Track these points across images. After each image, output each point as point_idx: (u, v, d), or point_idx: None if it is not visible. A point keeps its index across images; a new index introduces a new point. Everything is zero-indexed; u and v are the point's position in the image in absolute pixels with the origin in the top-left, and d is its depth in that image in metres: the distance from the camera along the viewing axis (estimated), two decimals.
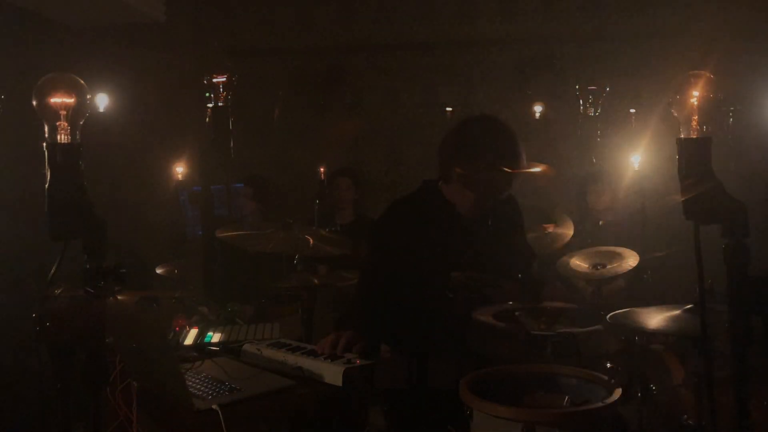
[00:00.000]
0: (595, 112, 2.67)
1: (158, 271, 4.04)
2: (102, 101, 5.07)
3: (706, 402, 2.34)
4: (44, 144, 1.70)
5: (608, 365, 2.33)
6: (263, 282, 4.03)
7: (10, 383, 3.79)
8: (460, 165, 2.63)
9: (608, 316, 2.42)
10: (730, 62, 5.24)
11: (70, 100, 1.74)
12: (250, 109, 5.84)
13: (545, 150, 5.36)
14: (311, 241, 3.47)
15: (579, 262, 3.41)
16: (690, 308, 2.30)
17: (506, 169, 2.56)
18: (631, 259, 3.30)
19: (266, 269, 4.01)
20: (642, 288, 3.75)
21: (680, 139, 1.93)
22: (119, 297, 2.07)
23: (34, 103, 1.72)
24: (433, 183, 2.78)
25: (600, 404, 1.97)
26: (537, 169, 2.62)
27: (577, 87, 2.46)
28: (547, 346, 2.33)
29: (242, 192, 4.81)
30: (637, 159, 3.98)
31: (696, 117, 1.88)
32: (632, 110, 4.84)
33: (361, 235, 3.54)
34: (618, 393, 2.01)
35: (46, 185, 1.64)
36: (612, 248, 3.43)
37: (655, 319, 2.34)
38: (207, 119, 5.68)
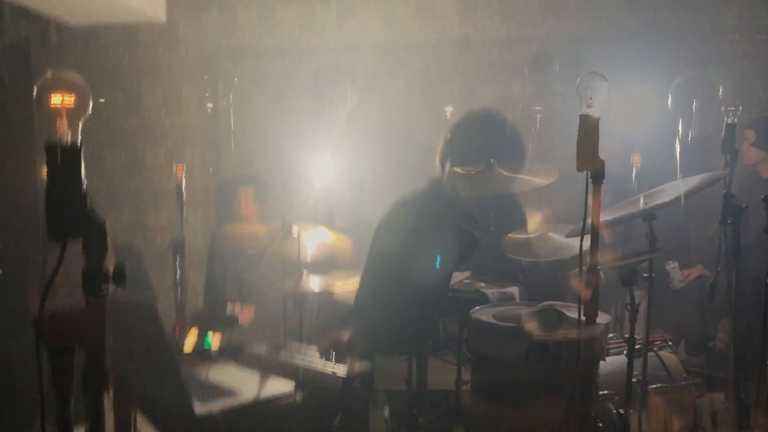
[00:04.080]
0: (595, 112, 2.67)
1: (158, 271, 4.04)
2: (101, 101, 5.06)
3: (706, 402, 2.34)
4: (44, 144, 1.70)
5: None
6: (263, 282, 4.02)
7: (11, 384, 3.78)
8: (457, 161, 2.64)
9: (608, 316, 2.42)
10: (730, 61, 5.24)
11: (70, 100, 1.73)
12: (250, 109, 5.84)
13: (545, 150, 5.37)
14: (311, 241, 3.47)
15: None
16: (688, 308, 2.30)
17: (502, 170, 2.57)
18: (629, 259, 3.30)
19: (266, 269, 4.01)
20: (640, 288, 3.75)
21: (681, 138, 1.93)
22: (119, 297, 2.07)
23: (34, 103, 1.72)
24: (437, 181, 2.78)
25: (599, 404, 1.97)
26: (537, 169, 2.62)
27: (577, 86, 2.45)
28: (547, 347, 2.33)
29: (244, 193, 4.80)
30: (638, 158, 3.98)
31: (695, 117, 1.88)
32: (632, 110, 4.82)
33: (360, 238, 3.54)
34: (618, 392, 2.01)
35: (46, 185, 1.64)
36: (610, 248, 3.43)
37: (654, 319, 2.33)
38: (207, 119, 5.69)
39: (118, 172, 5.63)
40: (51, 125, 1.70)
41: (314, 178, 4.75)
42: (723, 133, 2.56)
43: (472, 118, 2.75)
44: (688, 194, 2.35)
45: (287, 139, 5.69)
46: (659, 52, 5.30)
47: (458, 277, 2.84)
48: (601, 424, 1.94)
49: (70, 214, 1.64)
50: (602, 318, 2.44)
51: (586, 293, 2.28)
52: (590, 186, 2.24)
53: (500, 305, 2.64)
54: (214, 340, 2.82)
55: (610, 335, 2.60)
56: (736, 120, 2.60)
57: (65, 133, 1.72)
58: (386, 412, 2.54)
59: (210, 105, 5.72)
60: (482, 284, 2.75)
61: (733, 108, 2.66)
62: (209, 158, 5.81)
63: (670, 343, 3.06)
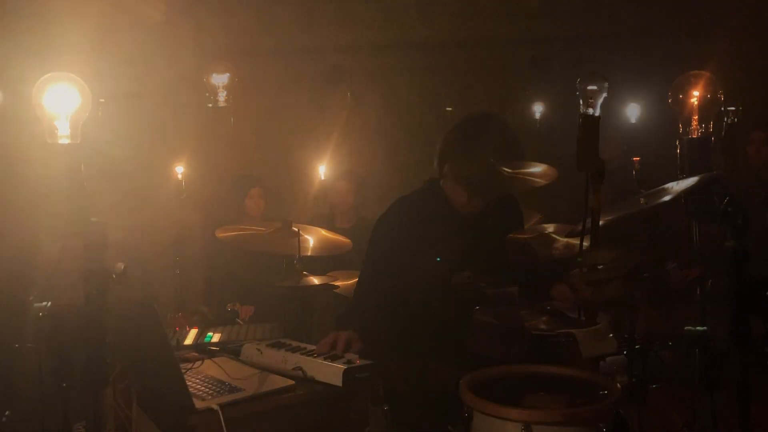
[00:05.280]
0: (595, 112, 2.68)
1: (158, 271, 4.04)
2: (101, 101, 5.05)
3: (706, 402, 2.34)
4: (44, 144, 1.70)
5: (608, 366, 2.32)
6: (263, 282, 4.03)
7: (10, 383, 3.78)
8: (459, 163, 2.64)
9: (608, 317, 2.42)
10: (730, 61, 5.24)
11: (70, 100, 1.73)
12: (250, 109, 5.84)
13: (545, 150, 5.37)
14: (311, 241, 3.47)
15: None
16: (689, 309, 2.30)
17: (505, 169, 2.56)
18: (629, 259, 3.30)
19: (266, 269, 4.01)
20: (641, 288, 3.75)
21: (681, 138, 1.93)
22: (119, 297, 2.07)
23: (35, 103, 1.72)
24: (435, 182, 2.78)
25: (600, 404, 1.97)
26: (537, 169, 2.62)
27: (577, 87, 2.45)
28: (547, 346, 2.33)
29: (255, 193, 4.81)
30: (638, 158, 3.98)
31: (696, 117, 1.88)
32: (633, 110, 4.84)
33: (360, 239, 3.54)
34: (618, 392, 2.01)
35: (46, 185, 1.64)
36: (611, 248, 3.43)
37: (654, 319, 2.33)
38: (207, 119, 5.68)
39: (118, 172, 5.62)
40: (51, 125, 1.71)
41: (314, 178, 4.77)
42: (723, 133, 2.56)
43: (474, 118, 2.74)
44: (688, 194, 2.35)
45: (287, 139, 5.70)
46: (659, 52, 5.31)
47: (458, 277, 2.84)
48: (601, 424, 1.94)
49: (70, 213, 1.64)
50: (602, 317, 2.45)
51: (586, 292, 2.29)
52: (590, 186, 2.24)
53: (500, 305, 2.64)
54: (214, 337, 2.83)
55: (610, 335, 2.59)
56: (736, 120, 2.60)
57: (65, 133, 1.72)
58: (386, 411, 2.54)
59: (210, 105, 5.72)
60: (482, 284, 2.75)
61: (733, 108, 2.66)
62: (209, 158, 5.81)
63: (671, 343, 3.06)
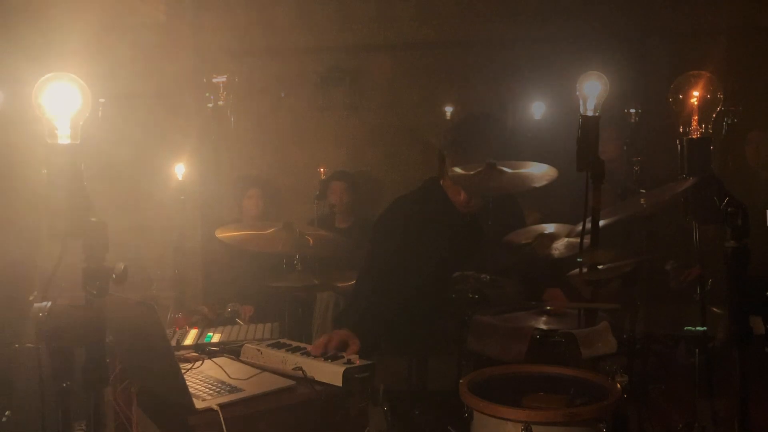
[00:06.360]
0: (595, 112, 2.67)
1: (158, 271, 4.05)
2: (101, 101, 5.05)
3: (706, 402, 2.35)
4: (45, 144, 1.70)
5: (608, 366, 2.33)
6: (263, 282, 4.03)
7: (10, 383, 3.78)
8: (457, 162, 2.64)
9: (608, 317, 2.42)
10: (730, 61, 5.24)
11: (70, 100, 1.73)
12: (250, 109, 5.84)
13: (545, 150, 5.37)
14: (311, 241, 3.47)
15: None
16: (689, 309, 2.30)
17: (505, 169, 2.57)
18: (629, 260, 3.30)
19: (266, 269, 4.01)
20: (640, 288, 3.75)
21: (681, 138, 1.93)
22: (119, 297, 2.07)
23: (34, 103, 1.72)
24: (435, 181, 2.78)
25: (600, 404, 1.97)
26: (537, 170, 2.62)
27: (577, 86, 2.44)
28: (547, 346, 2.33)
29: (254, 193, 4.81)
30: (638, 158, 3.98)
31: (696, 117, 1.88)
32: (632, 110, 4.83)
33: (360, 238, 3.54)
34: (618, 392, 2.01)
35: (46, 185, 1.64)
36: (610, 248, 3.43)
37: (654, 319, 2.34)
38: (207, 119, 5.68)
39: (118, 172, 5.62)
40: (51, 125, 1.70)
41: (314, 179, 4.77)
42: (723, 133, 2.56)
43: (472, 119, 2.75)
44: (688, 194, 2.35)
45: (287, 139, 5.70)
46: (659, 52, 5.30)
47: (458, 276, 2.84)
48: (601, 424, 1.94)
49: (70, 213, 1.64)
50: (602, 317, 2.45)
51: (586, 292, 2.28)
52: (590, 186, 2.24)
53: (500, 305, 2.64)
54: (214, 337, 2.83)
55: (610, 335, 2.59)
56: (736, 120, 2.60)
57: (65, 134, 1.72)
58: (386, 411, 2.55)
59: (210, 105, 5.72)
60: (482, 284, 2.75)
61: (733, 108, 2.66)
62: (209, 158, 5.81)
63: (670, 343, 3.06)
